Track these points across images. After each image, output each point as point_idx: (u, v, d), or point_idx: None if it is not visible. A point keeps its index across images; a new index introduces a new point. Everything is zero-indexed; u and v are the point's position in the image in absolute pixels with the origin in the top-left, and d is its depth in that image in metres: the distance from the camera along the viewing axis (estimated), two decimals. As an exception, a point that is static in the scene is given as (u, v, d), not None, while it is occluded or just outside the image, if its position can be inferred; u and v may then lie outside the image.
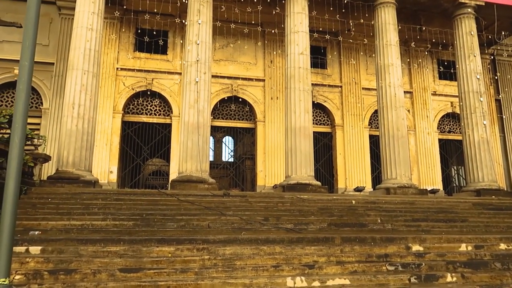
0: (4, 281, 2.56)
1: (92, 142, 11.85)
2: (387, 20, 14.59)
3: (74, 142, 11.32)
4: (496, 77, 19.08)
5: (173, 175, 15.26)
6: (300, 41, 13.58)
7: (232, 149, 26.88)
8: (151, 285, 5.51)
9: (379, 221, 9.90)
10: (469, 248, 7.79)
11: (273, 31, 15.70)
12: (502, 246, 7.95)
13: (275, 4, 14.30)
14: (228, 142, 29.62)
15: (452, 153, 19.30)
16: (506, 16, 16.20)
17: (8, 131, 9.75)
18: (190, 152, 12.04)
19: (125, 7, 15.21)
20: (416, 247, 7.54)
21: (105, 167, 14.50)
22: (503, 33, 16.33)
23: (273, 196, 11.54)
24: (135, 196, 10.37)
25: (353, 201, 11.45)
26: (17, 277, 5.43)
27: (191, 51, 12.70)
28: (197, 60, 12.60)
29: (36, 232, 7.42)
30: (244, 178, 21.08)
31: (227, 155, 28.17)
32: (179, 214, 9.19)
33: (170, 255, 6.51)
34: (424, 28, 16.91)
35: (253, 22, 14.93)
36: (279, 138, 16.25)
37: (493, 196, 13.41)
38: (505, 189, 16.67)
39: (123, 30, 15.76)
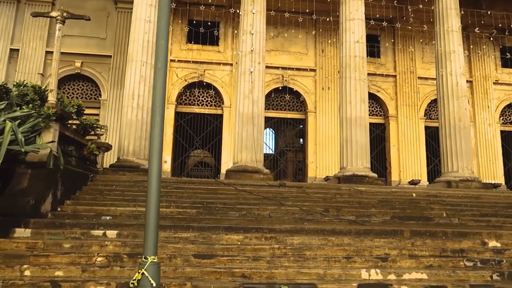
0: (153, 259, 2.62)
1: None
2: (449, 5, 13.82)
3: (134, 132, 11.64)
4: None
5: (224, 165, 15.43)
6: (356, 29, 13.18)
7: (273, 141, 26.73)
8: (226, 272, 5.54)
9: (444, 215, 9.45)
10: (552, 245, 7.26)
11: (325, 20, 15.38)
12: None
13: (331, -9, 13.94)
14: (267, 134, 29.41)
15: (513, 146, 18.16)
16: None
17: (76, 121, 10.19)
18: (245, 142, 12.05)
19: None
20: (492, 243, 7.12)
21: (159, 156, 14.81)
22: None
23: (329, 187, 11.34)
24: (194, 185, 10.52)
25: (414, 194, 11.02)
26: (99, 259, 5.64)
27: (245, 41, 12.66)
28: (252, 50, 12.55)
29: (108, 217, 7.67)
30: (285, 171, 20.89)
31: (267, 147, 27.97)
32: (239, 204, 9.21)
33: (239, 243, 6.52)
34: (486, 13, 15.93)
35: (304, 11, 14.69)
36: (330, 129, 15.99)
37: None
38: None
39: (176, 21, 15.97)
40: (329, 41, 16.48)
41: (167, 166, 15.03)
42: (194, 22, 15.30)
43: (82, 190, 9.32)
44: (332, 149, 15.80)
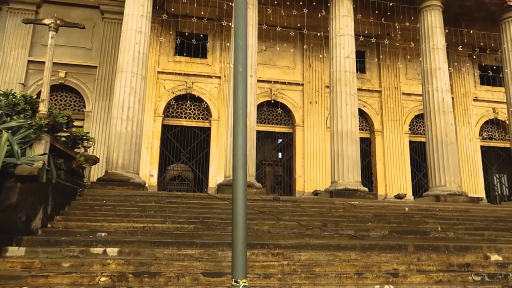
0: (245, 282, 2.40)
1: (140, 145, 11.81)
2: (434, 23, 14.29)
3: (124, 144, 11.28)
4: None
5: (212, 179, 15.18)
6: (346, 44, 13.38)
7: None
8: (238, 290, 5.30)
9: (439, 229, 9.54)
10: (549, 258, 7.41)
11: (313, 35, 15.53)
12: None
13: (321, 7, 14.15)
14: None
15: (492, 161, 18.73)
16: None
17: (64, 133, 9.76)
18: (237, 155, 11.86)
19: (167, 11, 15.20)
20: (494, 257, 7.20)
21: (146, 170, 14.44)
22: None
23: (323, 201, 11.27)
24: (187, 199, 10.23)
25: (406, 208, 11.11)
26: (103, 279, 5.30)
27: (238, 54, 12.58)
28: (244, 63, 12.47)
29: (103, 234, 7.32)
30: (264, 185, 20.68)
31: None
32: (236, 218, 8.99)
33: (246, 259, 6.30)
34: (465, 32, 16.56)
35: (292, 26, 14.81)
36: (318, 143, 16.05)
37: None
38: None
39: (164, 33, 15.79)
40: (316, 56, 16.67)
41: (153, 180, 14.62)
42: (183, 34, 15.15)
43: (71, 205, 8.90)
44: (320, 163, 15.83)
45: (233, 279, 2.41)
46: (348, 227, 9.05)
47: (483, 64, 18.00)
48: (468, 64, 18.05)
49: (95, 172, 12.95)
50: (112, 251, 6.16)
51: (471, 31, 15.88)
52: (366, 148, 17.29)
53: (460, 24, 17.08)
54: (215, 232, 8.03)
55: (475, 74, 18.33)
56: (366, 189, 12.61)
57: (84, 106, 14.93)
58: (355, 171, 12.55)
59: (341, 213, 10.25)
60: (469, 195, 13.98)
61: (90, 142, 11.21)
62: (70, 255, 5.95)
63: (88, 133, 10.21)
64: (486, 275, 6.41)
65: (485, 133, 18.23)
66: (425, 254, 7.02)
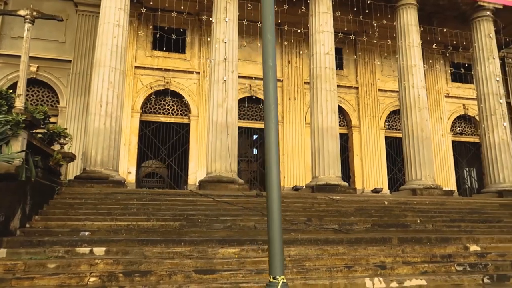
0: (283, 279, 2.33)
1: (119, 141, 11.53)
2: (410, 21, 14.63)
3: (102, 141, 10.96)
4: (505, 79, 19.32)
5: (192, 175, 15.02)
6: (325, 41, 13.51)
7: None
8: (232, 287, 5.28)
9: (418, 221, 9.83)
10: (524, 247, 7.77)
11: (291, 31, 15.56)
12: (554, 245, 7.95)
13: (301, 3, 14.19)
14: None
15: (463, 155, 19.44)
16: (520, 20, 16.44)
17: (41, 130, 9.39)
18: (219, 152, 11.80)
19: (144, 4, 14.84)
20: (473, 247, 7.49)
21: (123, 167, 14.10)
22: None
23: (306, 197, 11.37)
24: (169, 196, 10.10)
25: (386, 202, 11.38)
26: (92, 279, 5.14)
27: (218, 49, 12.48)
28: (225, 59, 12.39)
29: (86, 233, 7.11)
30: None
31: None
32: (221, 215, 8.95)
33: (236, 256, 6.30)
34: (437, 31, 17.03)
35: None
36: (297, 139, 16.16)
37: (516, 197, 13.51)
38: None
39: (141, 27, 15.44)
40: (296, 52, 16.75)
41: (131, 177, 14.31)
42: (160, 28, 14.84)
43: (49, 204, 8.59)
44: (300, 159, 15.96)
45: (271, 276, 2.38)
46: (332, 222, 9.18)
47: (454, 62, 18.60)
48: (440, 62, 18.61)
49: (71, 170, 12.53)
50: (99, 250, 5.99)
51: (444, 30, 16.31)
52: (344, 144, 17.54)
53: (433, 23, 17.54)
54: (201, 229, 7.96)
55: (447, 71, 18.92)
56: (346, 184, 12.83)
57: (58, 102, 14.41)
58: (336, 166, 12.72)
59: (324, 207, 10.38)
60: (443, 188, 14.47)
61: (67, 139, 10.85)
62: (55, 256, 5.75)
63: (65, 129, 9.87)
64: (467, 265, 6.66)
65: (459, 128, 18.88)
66: (409, 246, 7.22)
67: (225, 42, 12.48)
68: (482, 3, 15.38)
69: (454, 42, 16.85)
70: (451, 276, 6.17)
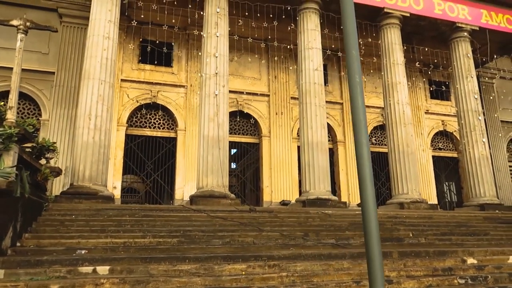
0: None
1: (108, 156, 11.23)
2: (393, 40, 15.12)
3: (91, 155, 10.65)
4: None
5: (178, 190, 14.77)
6: (314, 57, 13.74)
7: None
8: (246, 305, 5.16)
9: (411, 235, 9.98)
10: (516, 260, 8.00)
11: (278, 46, 15.72)
12: (544, 257, 8.23)
13: (290, 21, 14.41)
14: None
15: (442, 170, 20.01)
16: (494, 41, 17.28)
17: (29, 144, 9.03)
18: (210, 166, 11.67)
19: (131, 17, 14.69)
20: (470, 260, 7.64)
21: (109, 182, 13.66)
22: (495, 56, 17.35)
23: (298, 211, 11.36)
24: (162, 212, 9.85)
25: (376, 216, 11.50)
26: (100, 300, 4.90)
27: (209, 64, 12.47)
28: (216, 73, 12.38)
29: (83, 251, 6.81)
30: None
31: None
32: (218, 231, 8.81)
33: (243, 272, 6.17)
34: (419, 50, 17.66)
35: (258, 37, 14.96)
36: (284, 153, 16.21)
37: (496, 210, 13.98)
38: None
39: (128, 40, 15.25)
40: (282, 68, 16.94)
41: (117, 192, 13.90)
42: (147, 42, 14.70)
43: (38, 222, 8.22)
44: (287, 173, 15.99)
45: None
46: (329, 236, 9.19)
47: (433, 80, 19.29)
48: (420, 79, 19.24)
49: (56, 185, 12.07)
50: (103, 269, 5.74)
51: (426, 49, 16.93)
52: (330, 158, 17.71)
53: (412, 42, 18.20)
54: (200, 246, 7.79)
55: (426, 88, 19.57)
56: (336, 198, 12.94)
57: (40, 115, 13.92)
58: (326, 180, 12.82)
59: (318, 222, 10.39)
60: (428, 202, 14.81)
61: (54, 153, 10.48)
62: (56, 276, 5.46)
63: (55, 143, 9.51)
64: (469, 278, 6.78)
65: (439, 143, 19.47)
66: (410, 260, 7.29)
67: (216, 57, 12.49)
68: (460, 25, 16.10)
69: (432, 60, 17.49)
70: (456, 289, 6.27)
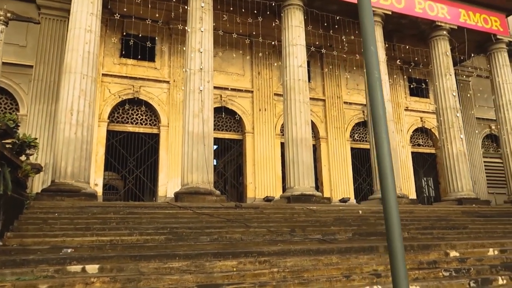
0: None
1: (91, 152, 10.99)
2: (376, 38, 15.28)
3: (73, 151, 10.39)
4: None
5: (162, 187, 14.59)
6: (298, 54, 13.79)
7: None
8: (240, 301, 5.17)
9: (394, 229, 10.19)
10: (496, 252, 8.30)
11: (261, 42, 15.72)
12: (520, 249, 8.56)
13: (274, 16, 14.42)
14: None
15: (420, 165, 20.49)
16: (471, 40, 17.75)
17: (9, 140, 8.74)
18: (195, 162, 11.58)
19: (114, 11, 14.36)
20: (453, 253, 7.88)
21: (90, 179, 13.39)
22: (472, 55, 17.84)
23: (284, 207, 11.44)
24: (147, 209, 9.74)
25: (360, 211, 11.72)
26: (91, 300, 4.81)
27: (194, 59, 12.35)
28: (201, 69, 12.28)
29: (69, 250, 6.66)
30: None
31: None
32: (205, 227, 8.78)
33: (234, 269, 6.17)
34: (400, 47, 17.98)
35: (241, 33, 14.89)
36: (268, 149, 16.24)
37: (473, 205, 14.44)
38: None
39: (109, 34, 14.90)
40: (265, 64, 16.93)
41: (98, 189, 13.60)
42: (129, 36, 14.40)
43: (20, 220, 8.00)
44: (270, 169, 16.03)
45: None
46: (315, 232, 9.29)
47: (412, 77, 19.70)
48: (401, 77, 19.60)
49: (35, 182, 11.74)
50: (92, 268, 5.63)
51: (407, 47, 17.24)
52: (313, 154, 17.88)
53: (393, 40, 18.51)
54: (189, 243, 7.75)
55: (406, 86, 19.97)
56: (320, 194, 13.08)
57: (18, 109, 13.48)
58: (310, 176, 12.92)
59: (303, 218, 10.49)
60: (409, 197, 15.16)
61: (32, 150, 10.17)
62: (44, 275, 5.32)
63: (36, 139, 9.24)
64: (453, 270, 6.98)
65: (418, 140, 19.92)
66: (396, 254, 7.44)
67: (201, 52, 12.38)
68: (439, 23, 16.48)
69: (412, 58, 17.84)
70: (441, 282, 6.44)
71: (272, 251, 6.96)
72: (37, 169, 10.27)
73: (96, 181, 13.77)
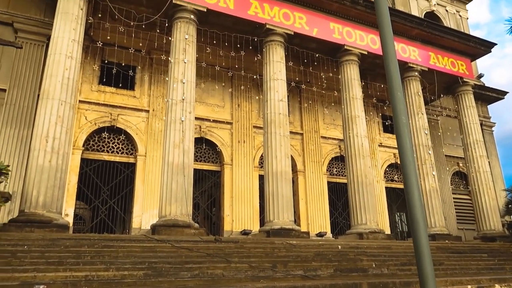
0: None
1: (65, 181, 10.56)
2: (352, 76, 15.89)
3: (47, 180, 9.94)
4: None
5: (136, 218, 14.11)
6: (279, 88, 14.05)
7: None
8: None
9: (374, 265, 10.21)
10: (475, 289, 8.41)
11: (241, 75, 15.97)
12: (497, 286, 8.72)
13: (256, 51, 14.73)
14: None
15: (393, 200, 20.87)
16: (440, 81, 18.69)
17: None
18: (174, 194, 11.32)
19: (93, 38, 14.25)
20: (435, 290, 7.89)
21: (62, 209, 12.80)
22: (441, 95, 18.75)
23: (264, 242, 11.25)
24: (123, 242, 9.33)
25: (339, 246, 11.69)
26: None
27: (177, 90, 12.33)
28: (183, 99, 12.25)
29: (41, 287, 6.22)
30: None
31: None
32: (185, 262, 8.48)
33: (220, 308, 5.92)
34: (375, 86, 18.66)
35: (222, 65, 15.07)
36: (246, 182, 16.13)
37: (446, 240, 14.73)
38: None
39: (88, 61, 14.69)
40: (245, 96, 17.10)
41: (69, 220, 12.95)
42: (109, 63, 14.26)
43: (-15, 253, 7.44)
44: (248, 202, 15.86)
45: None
46: (297, 267, 9.16)
47: (385, 114, 20.37)
48: (375, 114, 20.24)
49: (0, 212, 11.06)
50: (69, 307, 5.25)
51: (382, 85, 17.89)
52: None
53: (367, 78, 19.24)
54: (169, 278, 7.44)
55: (380, 122, 20.60)
56: (300, 228, 12.99)
57: (-13, 135, 12.87)
58: (289, 210, 12.87)
59: (284, 253, 10.33)
60: (385, 232, 15.28)
61: (2, 177, 9.67)
62: (16, 316, 4.90)
63: (8, 166, 8.80)
64: (437, 309, 6.98)
65: (391, 175, 20.38)
66: (380, 291, 7.40)
67: (184, 83, 12.40)
68: (412, 65, 17.32)
69: (382, 96, 18.54)
70: (428, 321, 6.40)
71: (258, 288, 6.77)
72: (6, 198, 9.72)
73: (67, 211, 13.15)
